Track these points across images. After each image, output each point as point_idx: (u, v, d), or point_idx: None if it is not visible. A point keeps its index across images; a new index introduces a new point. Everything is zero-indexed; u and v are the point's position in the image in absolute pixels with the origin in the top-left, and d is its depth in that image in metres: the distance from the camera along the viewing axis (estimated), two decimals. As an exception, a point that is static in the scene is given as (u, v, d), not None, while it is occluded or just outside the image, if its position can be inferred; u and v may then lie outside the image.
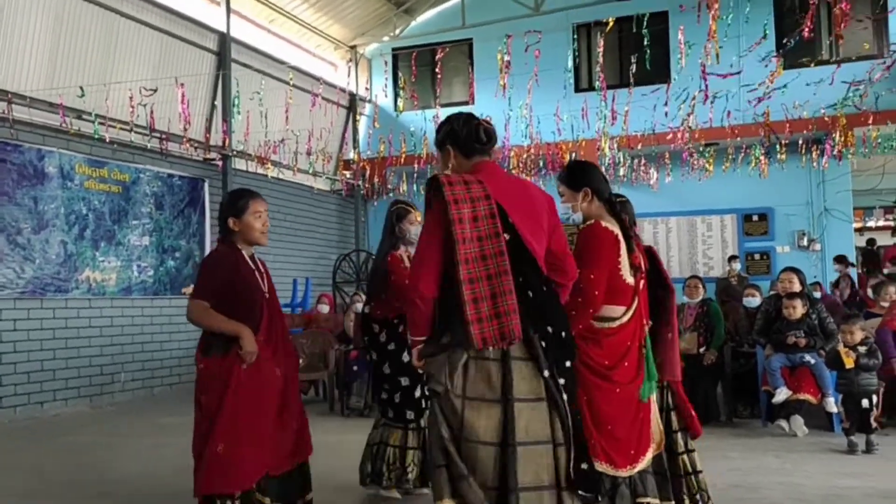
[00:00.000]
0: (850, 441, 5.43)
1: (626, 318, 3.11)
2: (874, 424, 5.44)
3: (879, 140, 10.11)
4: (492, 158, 2.74)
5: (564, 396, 2.50)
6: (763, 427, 6.22)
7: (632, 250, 3.18)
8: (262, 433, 3.08)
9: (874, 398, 5.50)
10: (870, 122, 9.77)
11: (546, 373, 2.49)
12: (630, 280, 3.15)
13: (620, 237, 3.13)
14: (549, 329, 2.52)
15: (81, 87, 7.97)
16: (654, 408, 3.36)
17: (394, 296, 4.08)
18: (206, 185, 10.06)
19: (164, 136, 9.07)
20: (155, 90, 8.62)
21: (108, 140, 8.41)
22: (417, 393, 4.07)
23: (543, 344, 2.50)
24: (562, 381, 2.52)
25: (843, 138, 10.19)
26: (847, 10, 7.37)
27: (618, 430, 3.05)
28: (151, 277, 9.23)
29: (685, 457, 3.56)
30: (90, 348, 8.41)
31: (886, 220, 17.34)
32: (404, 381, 4.07)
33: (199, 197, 9.95)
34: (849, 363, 5.51)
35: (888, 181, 12.48)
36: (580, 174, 3.25)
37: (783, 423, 5.83)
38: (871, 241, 13.96)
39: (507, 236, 2.50)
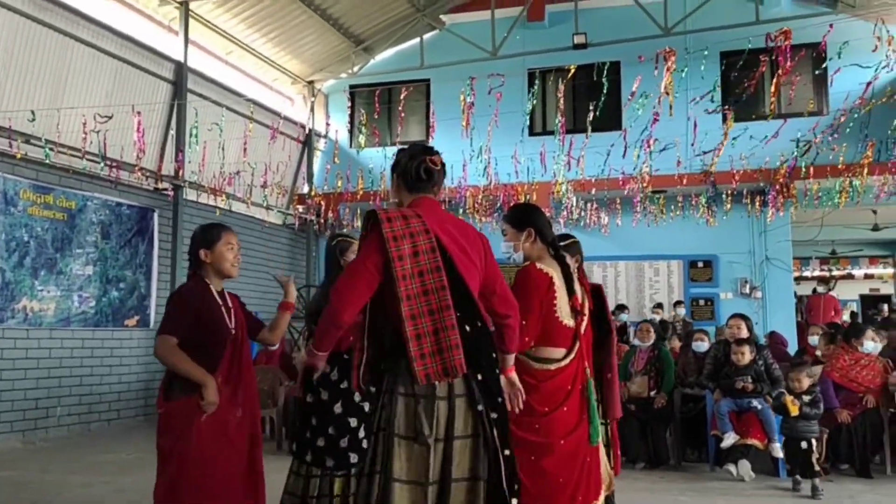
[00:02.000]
0: (795, 480, 5.62)
1: (565, 361, 3.13)
2: (817, 468, 5.56)
3: (820, 194, 10.54)
4: (435, 196, 2.72)
5: (495, 431, 2.49)
6: (711, 471, 6.30)
7: (572, 293, 3.21)
8: (228, 479, 2.99)
9: (813, 442, 5.64)
10: (810, 175, 10.19)
11: (479, 407, 2.49)
12: (569, 322, 3.17)
13: (556, 280, 3.16)
14: (483, 364, 2.53)
15: (32, 111, 7.77)
16: (602, 450, 3.38)
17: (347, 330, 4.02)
18: (156, 215, 9.85)
19: (114, 164, 8.87)
20: (110, 117, 8.46)
21: (57, 166, 8.19)
22: (361, 434, 3.82)
23: (479, 377, 2.51)
24: (494, 415, 2.52)
25: (783, 191, 10.61)
26: (789, 70, 7.73)
27: (557, 478, 3.03)
28: (93, 308, 8.94)
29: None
30: (25, 380, 8.05)
31: (822, 270, 18.03)
32: (353, 423, 3.82)
33: (147, 227, 9.73)
34: (794, 411, 5.64)
35: (825, 233, 12.98)
36: (525, 214, 3.31)
37: (731, 467, 5.91)
38: (815, 291, 14.43)
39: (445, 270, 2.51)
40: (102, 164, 8.69)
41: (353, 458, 3.79)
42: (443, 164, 2.75)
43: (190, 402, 2.98)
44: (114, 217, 9.23)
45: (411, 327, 2.42)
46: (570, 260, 3.72)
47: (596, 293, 3.66)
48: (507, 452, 2.50)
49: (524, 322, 2.98)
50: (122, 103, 9.14)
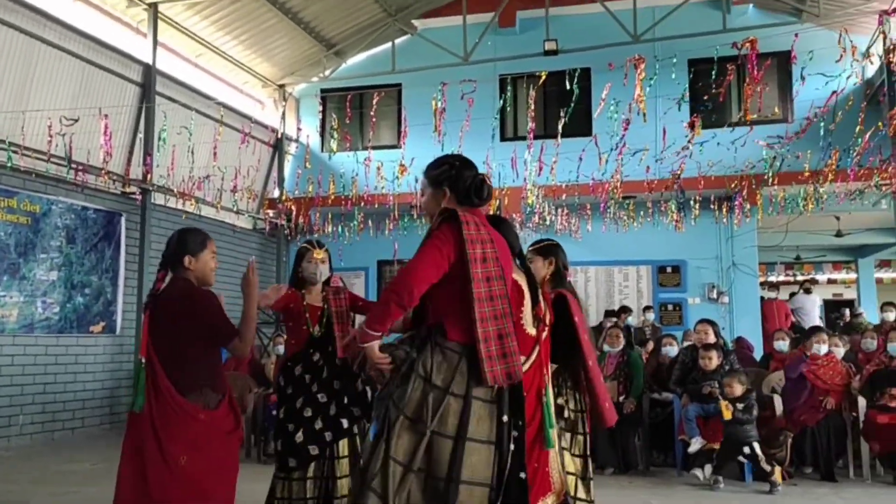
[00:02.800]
0: (716, 479, 5.83)
1: (525, 368, 3.14)
2: (768, 468, 5.75)
3: (785, 199, 10.73)
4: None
5: (512, 447, 2.56)
6: (679, 475, 6.36)
7: (536, 302, 3.28)
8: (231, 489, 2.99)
9: (755, 445, 5.82)
10: (774, 182, 10.36)
11: (504, 418, 2.57)
12: (531, 331, 3.25)
13: (525, 289, 3.22)
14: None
15: (-5, 114, 7.63)
16: (556, 456, 3.38)
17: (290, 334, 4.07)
18: (123, 219, 9.71)
19: (80, 168, 8.73)
20: (77, 120, 8.32)
21: (21, 169, 8.04)
22: (319, 424, 3.90)
23: (512, 392, 2.62)
24: (514, 433, 2.57)
25: (749, 197, 10.79)
26: (758, 79, 7.86)
27: None
28: (57, 314, 8.78)
29: None
30: (-13, 388, 7.89)
31: (787, 275, 18.34)
32: (290, 428, 3.90)
33: (114, 231, 9.59)
34: (727, 415, 5.82)
35: (790, 239, 13.21)
36: (494, 227, 3.34)
37: (697, 471, 5.98)
38: (764, 298, 14.64)
39: None
40: (68, 168, 8.55)
41: (292, 462, 3.88)
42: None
43: (227, 409, 3.01)
44: (79, 221, 9.08)
45: (482, 329, 2.52)
46: (541, 263, 3.79)
47: (559, 303, 3.69)
48: (522, 475, 2.58)
49: None
50: (88, 106, 9.00)
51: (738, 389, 6.00)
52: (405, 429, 2.52)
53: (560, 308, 3.65)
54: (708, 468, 5.98)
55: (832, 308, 17.92)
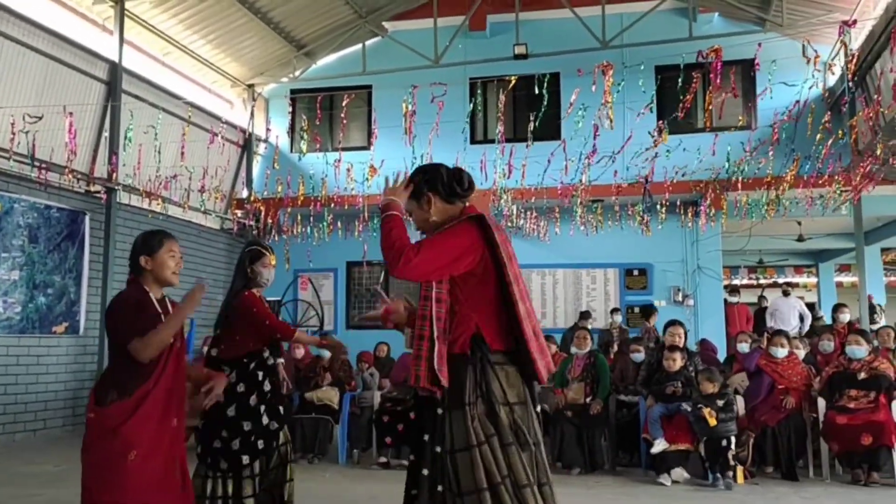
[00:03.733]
0: (715, 477, 5.97)
1: None
2: (732, 462, 5.97)
3: (749, 204, 10.93)
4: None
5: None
6: (644, 475, 6.45)
7: None
8: (167, 492, 2.95)
9: (732, 438, 6.03)
10: (738, 188, 10.56)
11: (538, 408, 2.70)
12: None
13: None
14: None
15: (-44, 109, 7.47)
16: None
17: (253, 332, 4.03)
18: (87, 218, 9.56)
19: (43, 166, 8.58)
20: (41, 117, 8.19)
21: (-19, 166, 7.89)
22: (257, 439, 3.93)
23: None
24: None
25: (714, 202, 10.99)
26: (720, 87, 8.01)
27: None
28: (19, 314, 8.61)
29: None
30: (-55, 390, 7.72)
31: (750, 278, 18.69)
32: (246, 426, 3.92)
33: (78, 230, 9.44)
34: (712, 422, 5.97)
35: (754, 243, 13.46)
36: None
37: (665, 478, 6.09)
38: (761, 299, 14.86)
39: None
40: (31, 166, 8.40)
41: (245, 459, 3.90)
42: None
43: (123, 406, 2.92)
44: (42, 220, 8.93)
45: (527, 328, 2.55)
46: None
47: None
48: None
49: None
50: (52, 103, 8.86)
51: (711, 388, 6.17)
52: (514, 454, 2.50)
53: None
54: (675, 472, 6.09)
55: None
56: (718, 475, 5.95)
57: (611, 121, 7.95)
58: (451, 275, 2.60)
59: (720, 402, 6.05)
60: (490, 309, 2.60)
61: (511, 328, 2.60)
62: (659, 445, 6.16)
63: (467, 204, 2.81)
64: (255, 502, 3.94)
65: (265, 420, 3.96)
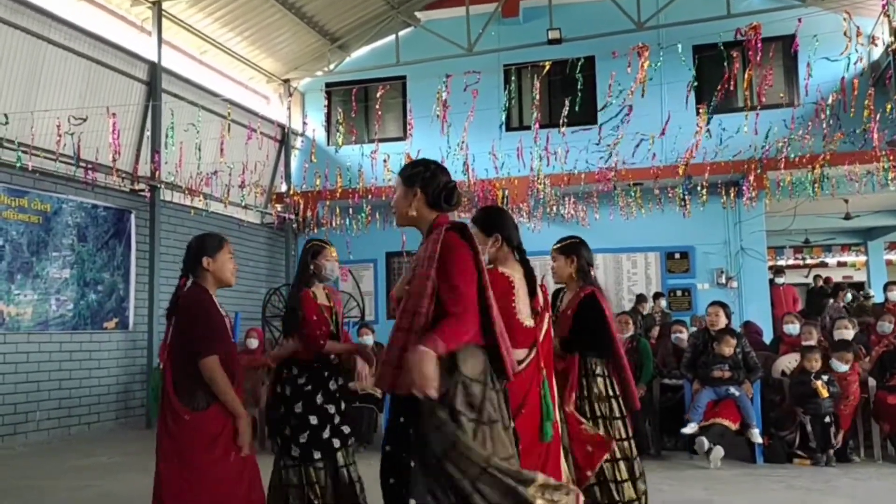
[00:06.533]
0: (818, 457, 6.04)
1: (526, 362, 3.21)
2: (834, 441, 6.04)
3: (793, 183, 10.70)
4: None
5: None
6: (690, 459, 6.40)
7: (534, 294, 3.30)
8: (238, 491, 3.05)
9: (833, 417, 6.10)
10: (782, 166, 10.34)
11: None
12: (529, 323, 3.26)
13: (517, 282, 3.25)
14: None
15: (6, 115, 7.69)
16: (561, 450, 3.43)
17: (304, 334, 4.03)
18: (133, 216, 9.79)
19: (89, 167, 8.80)
20: (85, 119, 8.40)
21: (31, 169, 8.11)
22: (327, 434, 3.96)
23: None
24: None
25: (756, 182, 10.77)
26: (759, 64, 7.84)
27: None
28: (71, 311, 8.87)
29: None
30: (4, 385, 7.98)
31: (795, 258, 18.31)
32: (313, 420, 3.95)
33: (124, 228, 9.67)
34: (823, 393, 6.03)
35: (799, 222, 13.17)
36: (493, 220, 3.41)
37: (704, 440, 6.05)
38: (816, 279, 14.59)
39: None
40: (77, 167, 8.62)
41: (317, 454, 3.93)
42: None
43: (217, 410, 3.05)
44: (90, 219, 9.16)
45: (499, 329, 2.71)
46: (563, 261, 3.87)
47: (589, 300, 3.91)
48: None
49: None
50: (95, 105, 9.07)
51: (727, 350, 6.35)
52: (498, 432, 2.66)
53: (592, 304, 3.86)
54: (717, 450, 6.04)
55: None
56: (821, 454, 6.04)
57: (643, 93, 7.81)
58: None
59: (825, 377, 6.12)
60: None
61: (484, 327, 2.71)
62: (689, 428, 6.15)
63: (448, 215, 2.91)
64: (323, 490, 3.98)
65: (336, 419, 3.98)
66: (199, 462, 3.01)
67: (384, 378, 2.67)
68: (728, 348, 6.39)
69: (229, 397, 3.07)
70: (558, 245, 4.07)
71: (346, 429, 4.03)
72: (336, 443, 3.98)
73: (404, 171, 2.88)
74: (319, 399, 3.98)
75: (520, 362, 3.13)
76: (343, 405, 4.08)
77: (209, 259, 3.22)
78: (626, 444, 3.87)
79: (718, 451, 6.02)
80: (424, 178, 2.80)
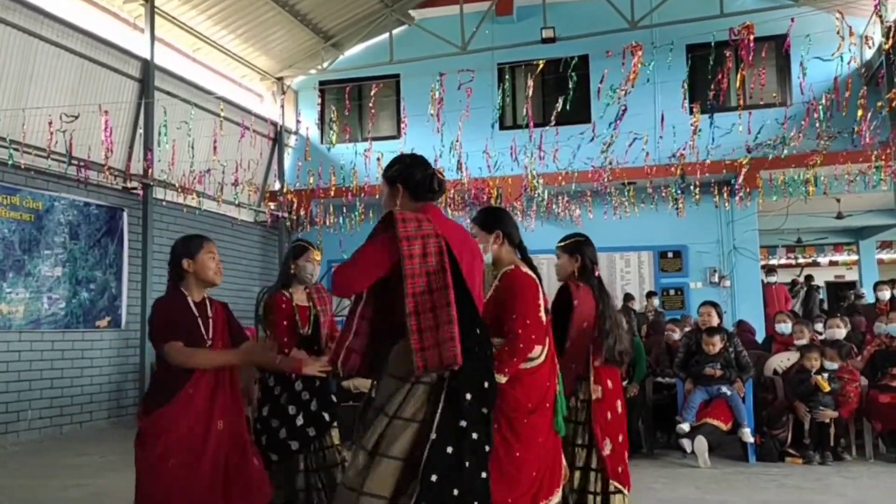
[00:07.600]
0: (810, 455, 6.09)
1: (543, 357, 3.22)
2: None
3: (786, 183, 10.74)
4: (437, 205, 2.91)
5: (475, 435, 2.59)
6: (682, 458, 6.42)
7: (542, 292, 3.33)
8: (196, 493, 3.02)
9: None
10: (775, 166, 10.37)
11: (468, 396, 2.61)
12: (545, 319, 3.29)
13: (537, 280, 3.28)
14: (470, 366, 2.62)
15: (-5, 112, 7.66)
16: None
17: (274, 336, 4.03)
18: (125, 214, 9.75)
19: (81, 164, 8.76)
20: (77, 116, 8.36)
21: (22, 166, 8.07)
22: (300, 421, 3.95)
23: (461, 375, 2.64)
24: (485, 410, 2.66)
25: (749, 181, 10.80)
26: (752, 64, 7.86)
27: (531, 472, 3.12)
28: (63, 310, 8.83)
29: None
30: (-5, 384, 7.96)
31: (788, 257, 18.38)
32: (274, 423, 3.93)
33: (117, 226, 9.63)
34: (825, 387, 6.07)
35: (791, 221, 13.22)
36: (494, 218, 3.42)
37: (686, 444, 6.11)
38: (808, 278, 14.64)
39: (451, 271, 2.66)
40: (69, 164, 8.58)
41: (294, 445, 3.93)
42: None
43: (164, 413, 3.03)
44: (82, 217, 9.12)
45: (414, 322, 2.59)
46: (567, 259, 3.86)
47: (561, 292, 3.88)
48: (483, 475, 2.59)
49: (528, 322, 3.13)
50: (88, 102, 9.03)
51: (713, 349, 6.34)
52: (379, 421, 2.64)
53: (563, 297, 3.77)
54: (699, 441, 6.08)
55: (834, 290, 18.00)
56: (814, 452, 6.08)
57: (632, 88, 7.82)
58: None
59: (826, 374, 6.14)
60: (400, 299, 2.68)
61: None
62: (683, 426, 6.16)
63: (433, 204, 2.91)
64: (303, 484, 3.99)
65: (299, 421, 3.94)
66: (140, 464, 3.06)
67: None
68: (713, 346, 6.41)
69: (212, 359, 3.13)
70: (562, 243, 4.04)
71: (311, 431, 3.98)
72: (294, 445, 3.92)
73: (385, 172, 2.93)
74: (283, 399, 3.98)
75: (536, 358, 3.17)
76: (313, 406, 4.01)
77: (189, 261, 3.25)
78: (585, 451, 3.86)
79: (702, 442, 6.04)
80: (403, 173, 2.85)
